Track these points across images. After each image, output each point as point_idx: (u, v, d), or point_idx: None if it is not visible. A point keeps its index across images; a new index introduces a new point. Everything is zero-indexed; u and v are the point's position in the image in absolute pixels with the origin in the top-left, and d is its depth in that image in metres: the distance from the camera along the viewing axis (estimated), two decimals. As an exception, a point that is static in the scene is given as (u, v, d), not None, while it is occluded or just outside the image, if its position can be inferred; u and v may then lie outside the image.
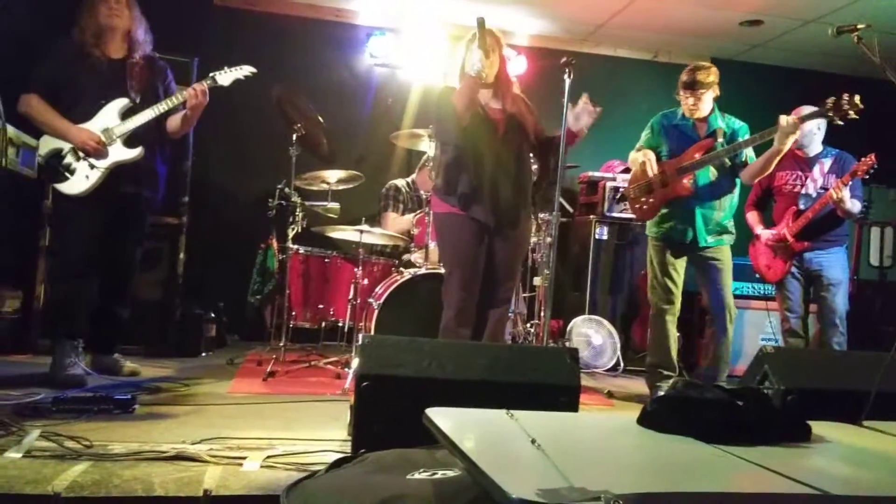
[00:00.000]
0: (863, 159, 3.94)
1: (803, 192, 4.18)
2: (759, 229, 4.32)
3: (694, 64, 3.92)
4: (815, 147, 4.22)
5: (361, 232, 4.24)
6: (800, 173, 4.21)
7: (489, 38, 3.27)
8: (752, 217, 4.43)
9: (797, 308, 4.25)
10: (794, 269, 4.21)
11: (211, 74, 3.69)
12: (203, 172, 5.14)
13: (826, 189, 4.09)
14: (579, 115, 3.36)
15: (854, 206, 4.02)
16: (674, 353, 3.97)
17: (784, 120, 3.62)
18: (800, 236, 4.13)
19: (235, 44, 5.52)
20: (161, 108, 3.60)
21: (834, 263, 4.16)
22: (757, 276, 5.23)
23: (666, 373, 3.95)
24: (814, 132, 4.18)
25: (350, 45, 5.90)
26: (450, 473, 1.69)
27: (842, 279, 4.14)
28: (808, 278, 4.23)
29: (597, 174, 5.67)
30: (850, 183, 3.99)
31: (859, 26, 2.92)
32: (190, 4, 5.45)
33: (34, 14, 4.43)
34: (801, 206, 4.15)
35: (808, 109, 3.96)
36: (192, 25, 5.21)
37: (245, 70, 3.73)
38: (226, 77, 3.69)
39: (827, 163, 4.17)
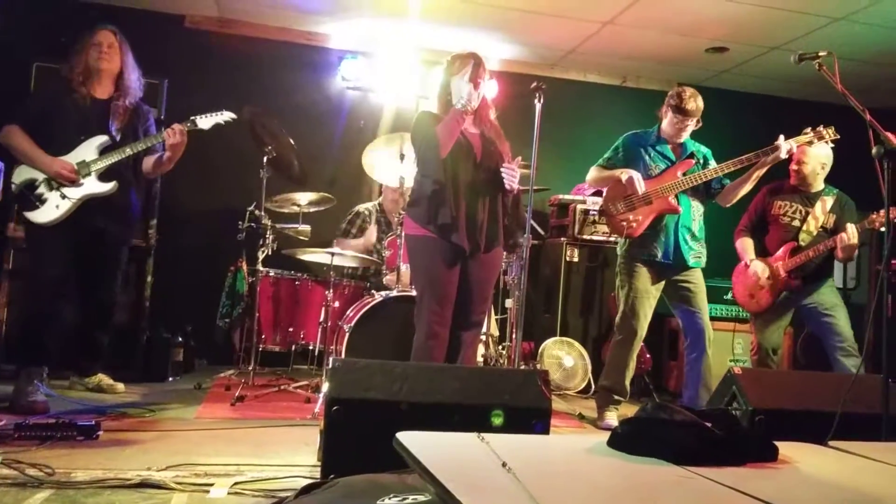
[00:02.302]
0: (880, 212, 3.85)
1: (804, 228, 4.13)
2: (749, 258, 4.22)
3: (687, 90, 3.89)
4: (818, 184, 4.20)
5: (332, 254, 4.22)
6: (800, 207, 4.17)
7: (479, 69, 3.30)
8: (742, 244, 4.32)
9: (772, 341, 4.20)
10: (778, 303, 4.15)
11: (191, 118, 3.79)
12: (172, 194, 5.10)
13: (825, 229, 4.09)
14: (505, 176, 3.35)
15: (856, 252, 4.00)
16: (628, 379, 3.98)
17: (786, 144, 3.74)
18: (794, 273, 4.08)
19: (206, 66, 5.52)
20: (139, 146, 3.72)
21: (823, 291, 4.11)
22: (725, 297, 5.30)
23: (617, 397, 3.96)
24: (817, 171, 4.16)
25: (322, 68, 5.91)
26: (420, 498, 1.68)
27: (837, 303, 4.08)
28: (798, 313, 4.20)
29: (567, 197, 5.72)
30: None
31: (821, 53, 2.99)
32: (160, 26, 5.43)
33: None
34: (801, 243, 4.10)
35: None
36: (163, 47, 5.19)
37: (226, 115, 3.86)
38: (206, 121, 3.81)
39: (829, 201, 4.15)
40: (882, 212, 3.87)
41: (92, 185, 3.65)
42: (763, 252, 4.25)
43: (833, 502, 1.53)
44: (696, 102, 3.87)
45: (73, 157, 3.63)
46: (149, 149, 3.80)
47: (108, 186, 3.68)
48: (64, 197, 3.59)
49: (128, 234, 3.99)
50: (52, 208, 3.59)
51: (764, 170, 3.83)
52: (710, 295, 4.97)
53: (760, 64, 5.93)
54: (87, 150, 3.66)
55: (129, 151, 3.68)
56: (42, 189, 3.59)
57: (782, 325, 4.25)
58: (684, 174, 3.88)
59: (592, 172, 4.11)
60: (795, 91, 6.38)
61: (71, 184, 3.60)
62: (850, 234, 3.92)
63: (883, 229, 3.91)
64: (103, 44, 3.73)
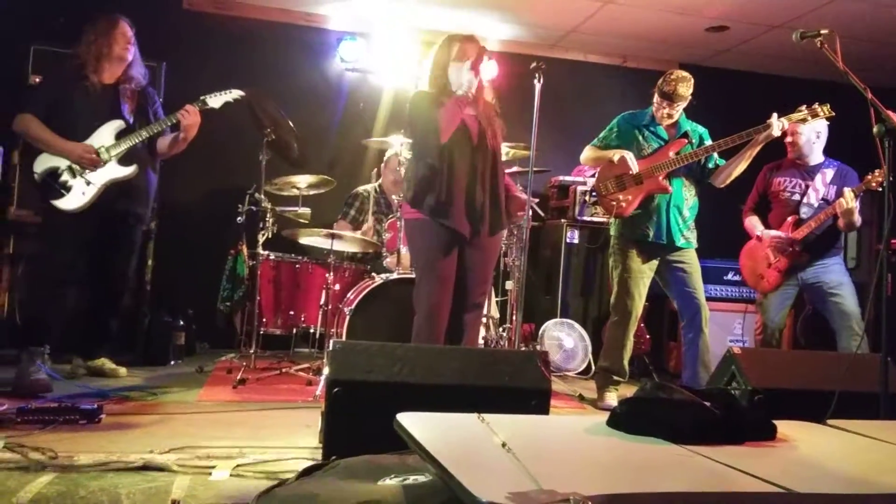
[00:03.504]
0: (875, 172, 3.82)
1: (805, 201, 4.09)
2: (760, 231, 4.18)
3: (676, 74, 3.88)
4: (815, 157, 4.15)
5: (333, 237, 4.22)
6: (800, 181, 4.13)
7: (481, 55, 3.28)
8: (751, 221, 4.28)
9: (776, 320, 4.15)
10: (786, 283, 4.10)
11: (201, 97, 3.81)
12: (171, 178, 5.06)
13: (826, 200, 4.03)
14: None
15: (858, 219, 3.95)
16: (626, 359, 4.00)
17: (778, 122, 3.71)
18: (798, 245, 4.03)
19: (204, 48, 5.49)
20: (155, 128, 3.78)
21: (830, 269, 4.05)
22: (725, 278, 5.31)
23: (616, 378, 3.98)
24: (812, 140, 4.12)
25: (321, 49, 5.88)
26: (421, 478, 1.69)
27: (843, 281, 4.02)
28: (804, 291, 4.15)
29: (567, 178, 5.70)
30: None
31: (822, 31, 2.96)
32: (158, 8, 5.39)
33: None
34: (803, 216, 4.06)
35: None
36: (161, 29, 5.15)
37: (234, 93, 3.89)
38: (216, 100, 3.84)
39: (829, 173, 4.10)
40: (877, 171, 3.82)
41: (114, 170, 3.70)
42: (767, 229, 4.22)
43: (831, 480, 1.54)
44: (677, 87, 3.83)
45: (91, 143, 3.66)
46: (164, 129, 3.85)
47: (129, 170, 3.73)
48: (89, 183, 3.64)
49: (146, 215, 4.04)
50: (79, 195, 3.63)
51: (757, 148, 3.81)
52: (710, 276, 4.99)
53: (761, 43, 5.89)
54: (104, 136, 3.69)
55: (144, 134, 3.73)
56: (66, 177, 3.62)
57: (787, 305, 4.20)
58: (677, 154, 3.87)
59: (587, 152, 4.13)
60: (797, 70, 6.33)
61: (94, 168, 3.63)
62: (847, 198, 3.88)
63: (880, 189, 3.83)
64: (127, 35, 3.78)
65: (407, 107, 3.47)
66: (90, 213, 3.66)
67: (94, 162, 3.63)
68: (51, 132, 3.63)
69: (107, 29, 3.75)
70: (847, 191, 3.91)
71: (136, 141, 3.72)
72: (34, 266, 4.12)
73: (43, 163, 3.63)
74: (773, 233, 4.13)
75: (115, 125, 3.73)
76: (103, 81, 3.76)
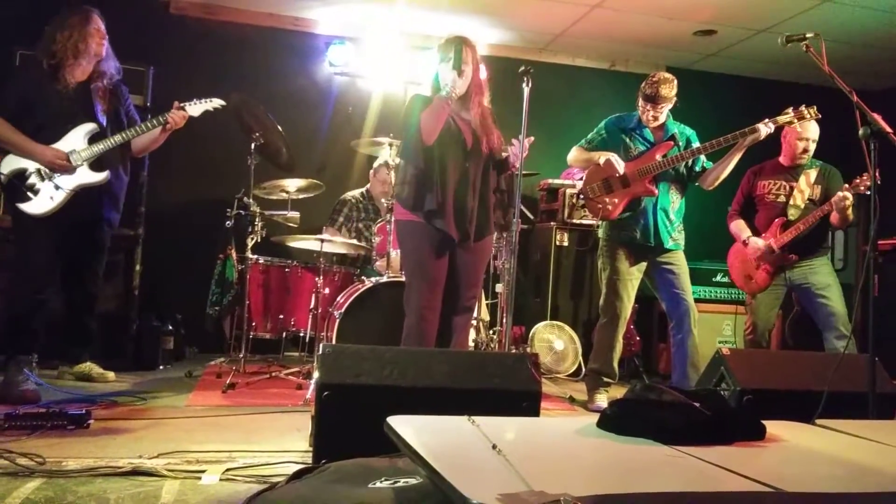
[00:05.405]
0: (864, 175, 3.81)
1: (791, 202, 4.09)
2: (746, 236, 4.18)
3: (657, 76, 3.90)
4: (805, 158, 4.15)
5: (322, 241, 4.21)
6: (784, 183, 4.14)
7: (465, 52, 3.28)
8: (736, 226, 4.28)
9: (766, 321, 4.17)
10: (775, 283, 4.11)
11: (180, 105, 3.78)
12: (159, 182, 5.06)
13: (812, 201, 4.04)
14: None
15: (851, 213, 3.93)
16: (616, 361, 4.01)
17: (766, 126, 3.73)
18: (787, 248, 4.04)
19: (192, 53, 5.48)
20: (130, 133, 3.71)
21: (818, 269, 4.06)
22: (714, 279, 5.33)
23: (606, 380, 4.00)
24: (813, 146, 4.12)
25: (309, 53, 5.88)
26: (412, 481, 1.69)
27: (830, 283, 4.02)
28: (791, 291, 4.16)
29: (557, 181, 5.72)
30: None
31: (808, 35, 2.99)
32: (145, 12, 5.37)
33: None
34: (791, 218, 4.06)
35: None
36: (148, 34, 5.15)
37: (215, 102, 3.88)
38: (196, 108, 3.82)
39: (812, 174, 4.11)
40: (865, 175, 3.83)
41: (85, 175, 3.63)
42: (754, 233, 4.22)
43: (820, 479, 1.55)
44: (659, 89, 3.84)
45: (62, 147, 3.59)
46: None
47: (101, 176, 3.67)
48: (58, 188, 3.57)
49: (117, 217, 3.97)
50: (47, 199, 3.56)
51: (741, 151, 3.83)
52: (699, 277, 5.01)
53: (748, 46, 5.94)
54: (76, 139, 3.62)
55: (119, 139, 3.67)
56: (34, 179, 3.56)
57: (777, 305, 4.21)
58: (663, 157, 3.88)
59: (573, 152, 4.14)
60: (783, 73, 6.38)
61: (64, 172, 3.57)
62: (843, 195, 3.84)
63: (867, 193, 3.83)
64: (102, 30, 3.72)
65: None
66: (59, 217, 3.59)
67: (64, 167, 3.57)
68: (18, 133, 3.54)
69: (81, 25, 3.65)
70: (840, 193, 3.90)
71: (110, 145, 3.66)
72: (10, 271, 4.06)
73: (9, 163, 3.56)
74: (758, 245, 4.11)
75: (88, 128, 3.66)
76: (76, 79, 3.68)
